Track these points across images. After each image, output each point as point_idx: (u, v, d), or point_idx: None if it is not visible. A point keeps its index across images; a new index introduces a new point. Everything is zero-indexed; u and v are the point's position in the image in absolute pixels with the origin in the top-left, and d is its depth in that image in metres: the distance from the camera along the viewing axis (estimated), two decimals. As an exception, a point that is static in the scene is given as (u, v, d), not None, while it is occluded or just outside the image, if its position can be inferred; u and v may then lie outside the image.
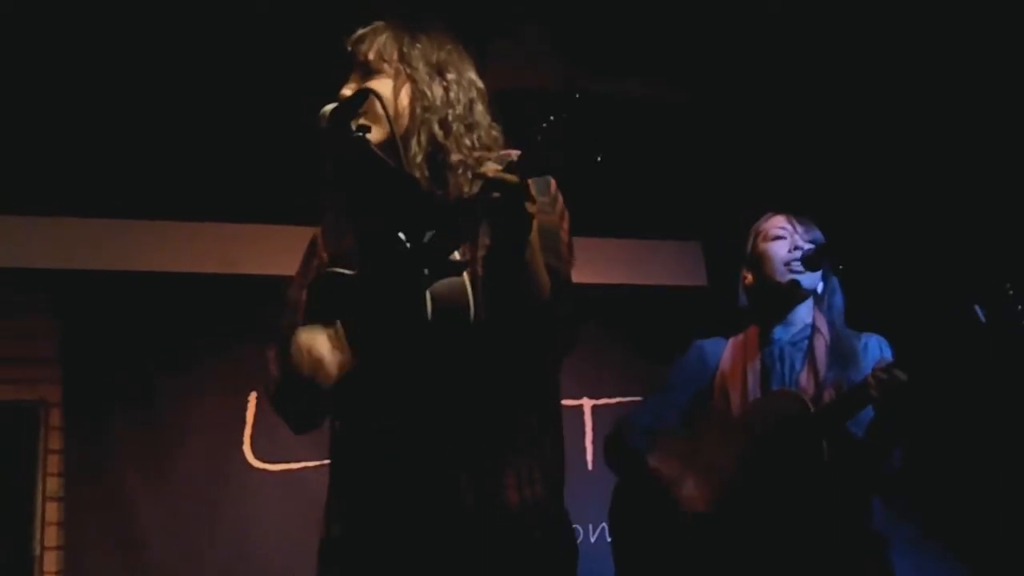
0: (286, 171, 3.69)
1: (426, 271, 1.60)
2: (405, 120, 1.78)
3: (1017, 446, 3.63)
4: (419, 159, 1.76)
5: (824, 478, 2.27)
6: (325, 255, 1.90)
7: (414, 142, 1.76)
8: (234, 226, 4.06)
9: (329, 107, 1.71)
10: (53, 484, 3.69)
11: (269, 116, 3.54)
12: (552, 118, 1.47)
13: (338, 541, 1.78)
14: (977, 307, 1.98)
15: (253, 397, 3.93)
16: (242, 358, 3.91)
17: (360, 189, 1.78)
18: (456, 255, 1.67)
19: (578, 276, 2.04)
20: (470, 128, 1.79)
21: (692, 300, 4.37)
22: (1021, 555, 3.56)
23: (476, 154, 1.75)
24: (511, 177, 1.48)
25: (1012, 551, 3.58)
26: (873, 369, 2.22)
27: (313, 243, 1.96)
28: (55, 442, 3.73)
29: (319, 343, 1.66)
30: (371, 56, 1.80)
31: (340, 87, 1.81)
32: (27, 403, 3.74)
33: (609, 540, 2.71)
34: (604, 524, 3.98)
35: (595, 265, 4.27)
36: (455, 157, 1.75)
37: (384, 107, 1.70)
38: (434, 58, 1.82)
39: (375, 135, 1.74)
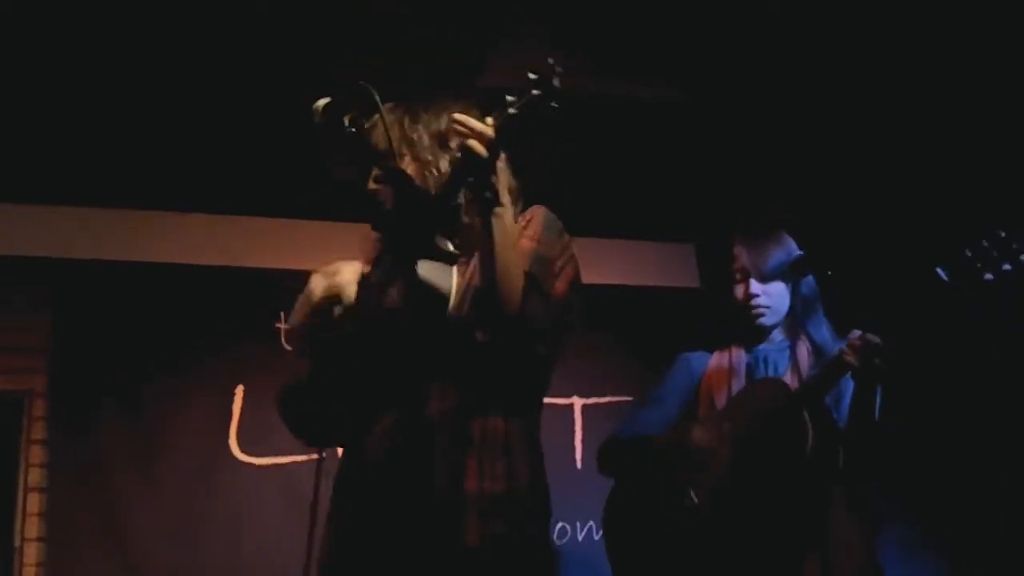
0: (286, 165, 3.69)
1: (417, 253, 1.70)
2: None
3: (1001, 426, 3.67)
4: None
5: (810, 459, 2.26)
6: None
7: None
8: (229, 218, 4.04)
9: (322, 101, 1.70)
10: (35, 475, 3.66)
11: (268, 108, 3.52)
12: (529, 76, 1.60)
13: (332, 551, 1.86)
14: (939, 269, 2.14)
15: (240, 391, 3.91)
16: (230, 351, 3.91)
17: (355, 182, 1.82)
18: (450, 246, 1.77)
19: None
20: None
21: (684, 302, 4.37)
22: (1013, 554, 3.58)
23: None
24: (483, 127, 1.60)
25: (1006, 551, 3.60)
26: (848, 339, 2.27)
27: None
28: (38, 432, 3.70)
29: None
30: (381, 146, 1.88)
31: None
32: (12, 393, 3.71)
33: (597, 537, 2.70)
34: (592, 522, 4.01)
35: (587, 265, 4.24)
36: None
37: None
38: (434, 128, 1.91)
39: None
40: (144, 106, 3.57)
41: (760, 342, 2.60)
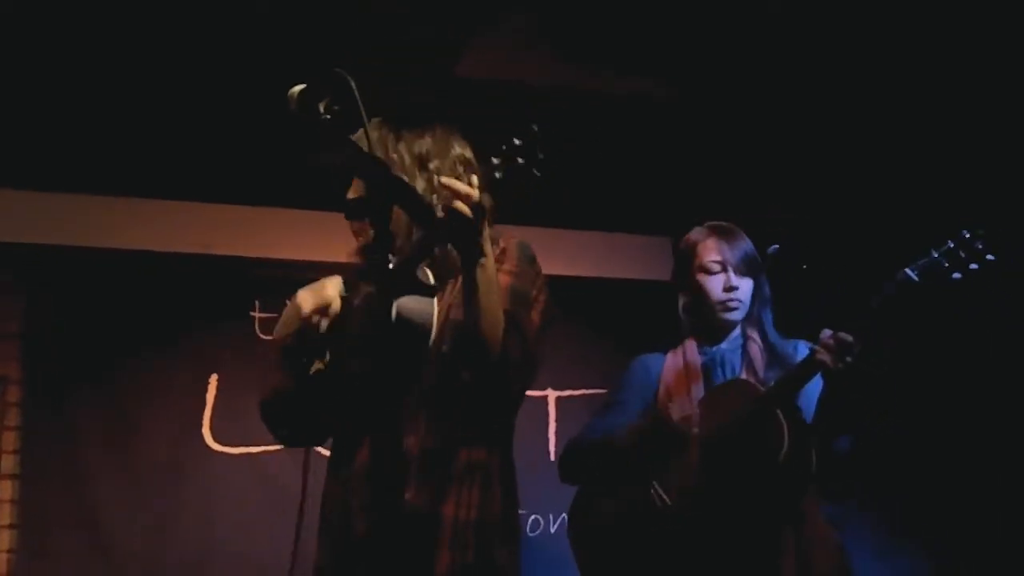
0: (262, 153, 3.67)
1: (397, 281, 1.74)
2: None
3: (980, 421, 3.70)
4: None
5: (785, 459, 2.27)
6: None
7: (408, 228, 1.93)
8: (204, 206, 4.02)
9: (297, 88, 1.69)
10: (8, 462, 3.64)
11: (248, 98, 3.50)
12: (514, 142, 1.63)
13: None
14: (908, 270, 2.16)
15: (214, 379, 3.90)
16: (204, 340, 3.90)
17: (331, 171, 1.82)
18: (431, 278, 1.85)
19: (547, 267, 2.06)
20: None
21: (659, 294, 4.38)
22: (1001, 553, 3.62)
23: None
24: (471, 190, 1.65)
25: (991, 550, 3.64)
26: (820, 338, 2.25)
27: None
28: (12, 419, 3.69)
29: None
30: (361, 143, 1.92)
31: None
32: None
33: (568, 532, 2.70)
34: (565, 515, 4.02)
35: (564, 257, 4.28)
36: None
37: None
38: (416, 150, 1.96)
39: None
40: (123, 94, 3.54)
41: (722, 340, 2.60)
